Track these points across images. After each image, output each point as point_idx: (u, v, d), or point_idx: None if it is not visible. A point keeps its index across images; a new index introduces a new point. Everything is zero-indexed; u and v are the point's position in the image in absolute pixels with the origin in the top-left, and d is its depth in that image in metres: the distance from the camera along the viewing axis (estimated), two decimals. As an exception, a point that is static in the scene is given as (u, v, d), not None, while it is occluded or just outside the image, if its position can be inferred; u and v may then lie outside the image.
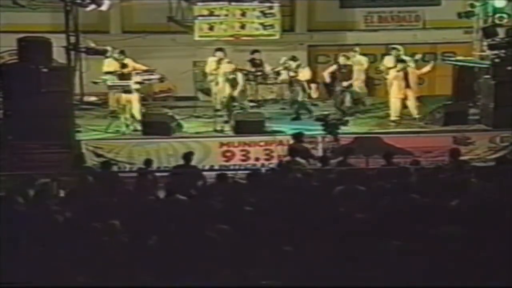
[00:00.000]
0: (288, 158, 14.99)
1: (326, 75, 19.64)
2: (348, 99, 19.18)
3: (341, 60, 19.23)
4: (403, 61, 18.72)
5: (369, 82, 21.34)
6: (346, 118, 17.35)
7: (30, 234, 8.97)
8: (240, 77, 18.99)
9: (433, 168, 13.19)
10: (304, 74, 19.37)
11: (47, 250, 8.74)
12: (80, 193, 11.81)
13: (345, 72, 19.09)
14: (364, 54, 20.35)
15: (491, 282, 8.26)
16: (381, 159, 14.57)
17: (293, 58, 19.63)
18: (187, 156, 14.81)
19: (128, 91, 18.06)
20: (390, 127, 18.40)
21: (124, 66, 18.64)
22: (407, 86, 18.49)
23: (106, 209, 10.42)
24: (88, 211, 10.27)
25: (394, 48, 19.45)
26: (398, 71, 18.56)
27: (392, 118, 18.59)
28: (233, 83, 18.75)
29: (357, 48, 20.15)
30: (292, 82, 19.34)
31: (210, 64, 19.49)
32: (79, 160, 15.60)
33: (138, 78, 18.41)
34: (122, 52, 19.14)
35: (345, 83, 19.02)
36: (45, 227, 9.37)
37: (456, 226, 9.24)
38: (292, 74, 19.30)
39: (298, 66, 19.40)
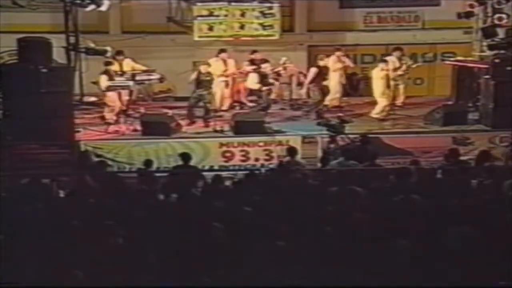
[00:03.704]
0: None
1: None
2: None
3: (321, 62, 19.33)
4: (384, 61, 18.86)
5: (368, 82, 21.40)
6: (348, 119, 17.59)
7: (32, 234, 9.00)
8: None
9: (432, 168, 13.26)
10: None
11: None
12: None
13: (324, 74, 19.18)
14: (362, 55, 20.38)
15: (491, 282, 8.28)
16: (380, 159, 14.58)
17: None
18: (184, 156, 14.80)
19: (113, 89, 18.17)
20: (390, 127, 18.42)
21: (109, 64, 18.65)
22: (388, 86, 18.64)
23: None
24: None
25: (397, 49, 19.54)
26: (382, 70, 18.72)
27: (373, 115, 18.73)
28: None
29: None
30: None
31: (215, 65, 19.51)
32: (83, 158, 15.64)
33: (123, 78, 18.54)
34: (119, 53, 19.12)
35: (325, 82, 19.11)
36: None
37: (456, 227, 9.27)
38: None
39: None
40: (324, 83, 19.24)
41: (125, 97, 18.56)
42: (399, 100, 19.65)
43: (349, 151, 14.94)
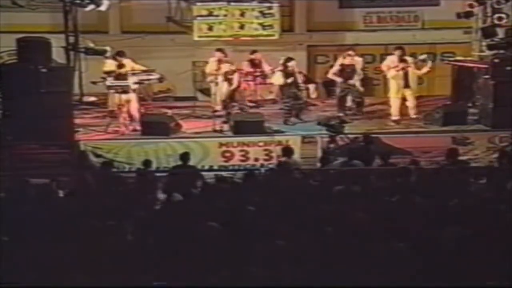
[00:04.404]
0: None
1: (334, 77, 19.50)
2: (349, 98, 19.24)
3: (346, 60, 19.24)
4: (404, 60, 18.73)
5: (368, 82, 21.35)
6: (347, 119, 17.56)
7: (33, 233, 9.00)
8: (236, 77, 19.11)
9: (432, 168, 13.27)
10: None
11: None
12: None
13: (349, 72, 19.11)
14: (362, 54, 20.35)
15: (491, 282, 8.28)
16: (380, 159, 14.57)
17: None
18: (184, 156, 14.82)
19: (125, 91, 18.04)
20: (389, 127, 18.42)
21: (122, 66, 18.61)
22: (406, 86, 18.58)
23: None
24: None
25: (399, 48, 19.40)
26: (397, 70, 18.59)
27: (393, 118, 18.64)
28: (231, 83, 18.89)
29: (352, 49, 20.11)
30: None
31: (211, 64, 19.51)
32: (83, 158, 15.63)
33: (135, 79, 18.37)
34: (119, 53, 19.11)
35: (350, 81, 19.05)
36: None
37: (456, 227, 9.27)
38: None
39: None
40: (351, 82, 19.18)
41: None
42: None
43: (353, 151, 14.95)
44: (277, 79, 19.17)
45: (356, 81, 19.19)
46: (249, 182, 12.34)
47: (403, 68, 18.56)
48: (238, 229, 9.53)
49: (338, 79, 19.33)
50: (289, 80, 18.80)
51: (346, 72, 19.15)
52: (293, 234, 9.28)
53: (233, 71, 19.24)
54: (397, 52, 19.18)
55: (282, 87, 19.17)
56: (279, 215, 10.04)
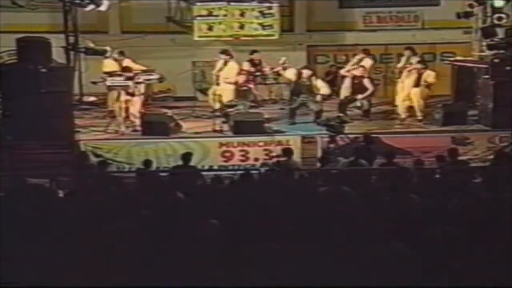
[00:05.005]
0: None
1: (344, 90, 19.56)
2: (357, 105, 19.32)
3: (358, 71, 19.25)
4: (419, 61, 18.78)
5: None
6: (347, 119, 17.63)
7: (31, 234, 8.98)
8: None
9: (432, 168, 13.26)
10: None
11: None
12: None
13: (357, 84, 19.13)
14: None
15: (490, 282, 8.28)
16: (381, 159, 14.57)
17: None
18: (186, 156, 14.84)
19: (130, 93, 18.01)
20: (389, 127, 18.44)
21: (124, 68, 18.64)
22: (416, 85, 18.62)
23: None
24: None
25: (408, 48, 19.41)
26: (409, 71, 18.65)
27: (402, 116, 18.69)
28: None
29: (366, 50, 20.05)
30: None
31: (216, 65, 19.55)
32: (82, 158, 15.63)
33: (138, 79, 18.40)
34: (121, 53, 19.16)
35: (360, 96, 19.06)
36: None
37: (453, 227, 9.26)
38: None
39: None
40: (360, 96, 19.23)
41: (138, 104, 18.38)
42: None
43: (357, 150, 14.96)
44: (290, 73, 19.18)
45: (364, 96, 19.16)
46: (246, 182, 12.32)
47: (417, 69, 18.61)
48: (237, 229, 9.52)
49: (346, 88, 19.35)
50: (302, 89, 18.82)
51: (355, 84, 19.13)
52: (291, 234, 9.27)
53: (244, 81, 19.33)
54: (407, 53, 19.25)
55: (292, 88, 19.12)
56: (277, 215, 10.03)
